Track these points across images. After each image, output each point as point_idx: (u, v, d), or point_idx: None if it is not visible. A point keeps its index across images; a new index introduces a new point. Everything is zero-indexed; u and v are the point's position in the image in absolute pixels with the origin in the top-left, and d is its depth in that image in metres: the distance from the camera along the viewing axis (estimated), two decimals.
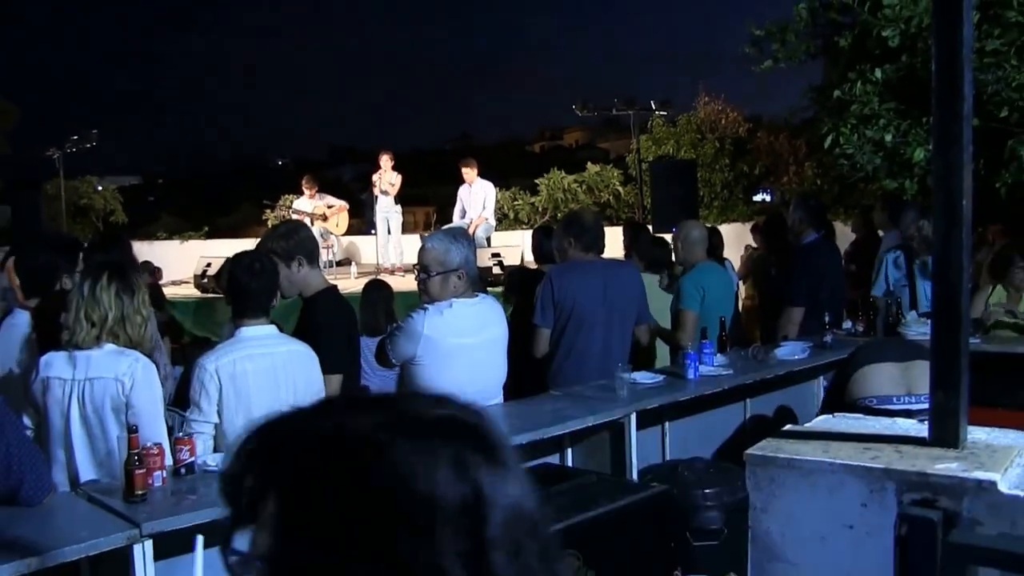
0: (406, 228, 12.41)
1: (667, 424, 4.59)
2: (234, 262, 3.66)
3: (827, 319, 5.26)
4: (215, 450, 3.38)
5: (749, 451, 2.79)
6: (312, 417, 0.80)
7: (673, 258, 6.81)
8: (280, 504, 0.73)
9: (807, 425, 3.10)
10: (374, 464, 0.72)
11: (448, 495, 0.72)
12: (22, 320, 3.79)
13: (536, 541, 0.77)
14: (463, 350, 3.79)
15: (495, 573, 0.72)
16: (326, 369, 3.65)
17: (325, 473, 0.73)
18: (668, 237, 7.88)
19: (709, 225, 8.23)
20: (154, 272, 9.64)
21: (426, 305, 3.83)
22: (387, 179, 11.88)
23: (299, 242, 4.05)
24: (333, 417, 0.78)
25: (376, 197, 11.97)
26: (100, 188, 18.90)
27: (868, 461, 2.55)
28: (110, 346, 3.21)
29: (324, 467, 0.73)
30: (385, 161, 11.95)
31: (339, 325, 4.10)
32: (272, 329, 3.55)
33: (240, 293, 3.52)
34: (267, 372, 3.44)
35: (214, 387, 3.34)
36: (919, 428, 2.81)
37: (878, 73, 7.42)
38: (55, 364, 3.21)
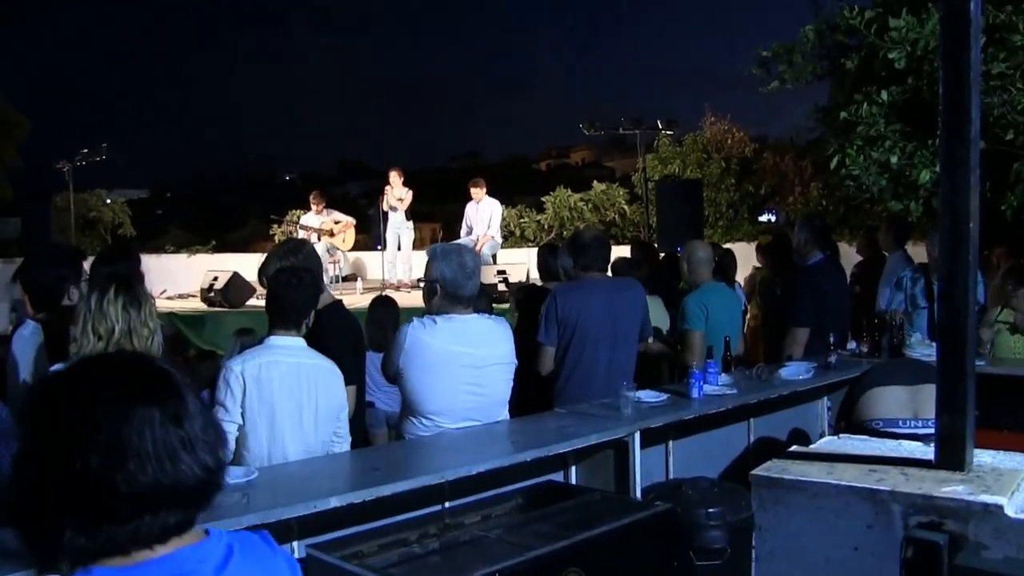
0: (413, 244, 12.44)
1: (671, 443, 4.59)
2: (274, 276, 3.80)
3: (832, 340, 5.25)
4: (236, 452, 3.48)
5: (755, 472, 2.79)
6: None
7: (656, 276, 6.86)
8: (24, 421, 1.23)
9: (813, 446, 3.10)
10: (64, 394, 1.20)
11: (101, 415, 1.15)
12: (31, 331, 3.81)
13: (174, 448, 1.18)
14: (451, 361, 3.81)
15: (128, 467, 1.14)
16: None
17: (41, 404, 1.22)
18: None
19: (726, 246, 8.22)
20: None
21: (414, 318, 3.95)
22: (395, 195, 11.92)
23: (305, 258, 4.19)
24: (65, 371, 1.26)
25: (384, 213, 12.00)
26: (109, 201, 18.92)
27: (874, 483, 2.55)
28: None
29: (41, 399, 1.22)
30: (394, 177, 11.99)
31: (347, 338, 4.23)
32: (301, 342, 3.66)
33: (275, 305, 3.67)
34: (292, 380, 3.52)
35: (239, 388, 3.45)
36: (925, 450, 2.81)
37: (884, 95, 7.44)
38: None
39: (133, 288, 3.31)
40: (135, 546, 1.18)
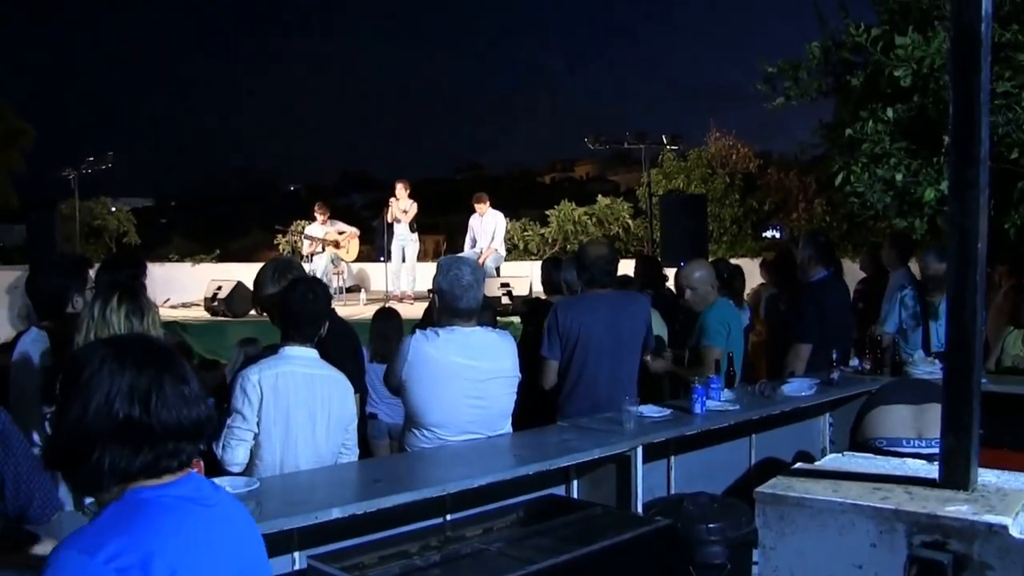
0: (418, 256, 12.46)
1: (673, 458, 4.58)
2: (288, 289, 3.83)
3: (834, 356, 5.24)
4: (251, 460, 3.50)
5: (759, 489, 2.78)
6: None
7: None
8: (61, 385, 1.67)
9: (817, 464, 3.09)
10: (103, 364, 1.63)
11: (139, 379, 1.62)
12: (33, 338, 3.81)
13: (185, 398, 1.66)
14: (454, 373, 3.82)
15: (159, 413, 1.62)
16: None
17: (73, 373, 1.65)
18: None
19: (734, 263, 8.19)
20: None
21: (417, 330, 3.98)
22: (400, 207, 11.94)
23: (296, 275, 4.28)
24: (98, 348, 1.70)
25: (388, 224, 12.02)
26: (114, 209, 18.94)
27: (878, 502, 2.54)
28: None
29: (73, 369, 1.66)
30: (400, 189, 12.02)
31: (346, 345, 4.36)
32: (314, 353, 3.69)
33: (292, 318, 3.68)
34: (306, 390, 3.56)
35: (256, 396, 3.47)
36: (929, 469, 2.80)
37: (890, 112, 7.44)
38: None
39: (136, 297, 3.32)
40: (161, 468, 1.64)
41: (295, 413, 3.51)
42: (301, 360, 3.62)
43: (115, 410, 1.59)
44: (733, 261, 9.95)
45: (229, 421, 3.52)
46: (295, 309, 3.68)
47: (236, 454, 3.47)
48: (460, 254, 10.69)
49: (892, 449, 3.75)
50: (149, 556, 1.55)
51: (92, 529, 1.58)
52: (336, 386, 3.66)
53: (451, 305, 3.90)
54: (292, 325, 3.68)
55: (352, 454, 3.78)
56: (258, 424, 3.48)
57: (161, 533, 1.59)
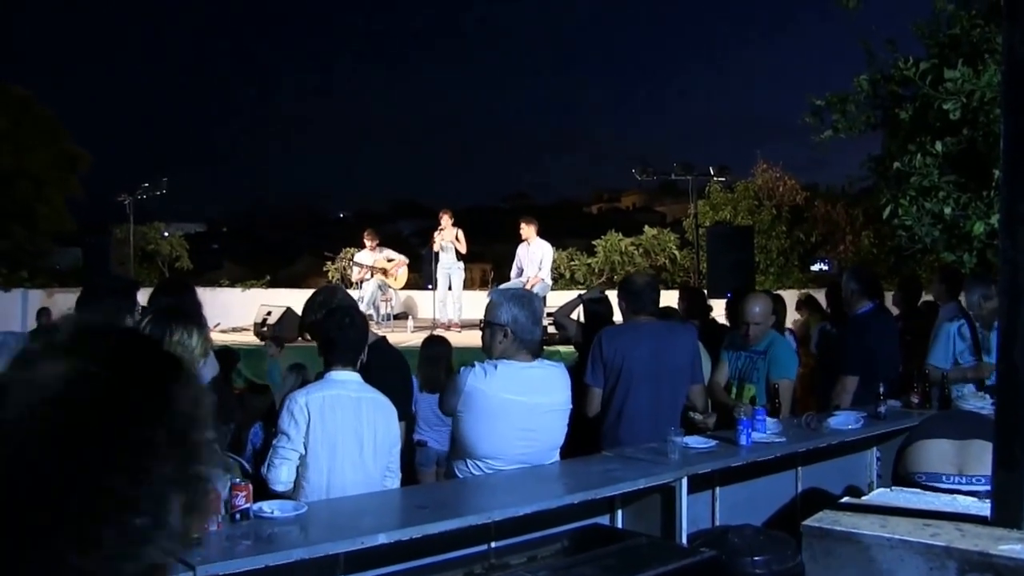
0: (464, 284, 12.54)
1: (718, 489, 4.55)
2: (327, 318, 3.93)
3: (881, 389, 5.18)
4: (295, 482, 3.55)
5: (806, 522, 2.77)
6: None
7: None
8: None
9: (865, 498, 3.07)
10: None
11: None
12: None
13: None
14: (508, 409, 3.80)
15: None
16: None
17: None
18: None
19: (777, 294, 8.15)
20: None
21: (475, 362, 3.93)
22: (447, 236, 12.05)
23: (340, 302, 4.43)
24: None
25: (436, 253, 12.13)
26: (167, 234, 19.34)
27: (928, 538, 2.52)
28: None
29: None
30: (445, 219, 12.13)
31: (396, 373, 4.43)
32: (357, 376, 3.76)
33: (332, 346, 3.78)
34: (352, 413, 3.62)
35: (303, 418, 3.53)
36: (980, 506, 2.77)
37: (939, 146, 7.38)
38: None
39: (164, 321, 3.37)
40: None
41: (342, 435, 3.57)
42: (346, 384, 3.69)
43: None
44: (780, 293, 9.87)
45: (275, 442, 3.59)
46: (332, 336, 3.78)
47: (280, 473, 3.53)
48: (509, 284, 10.75)
49: (932, 484, 3.68)
50: None
51: None
52: (381, 409, 3.72)
53: (526, 339, 3.89)
54: (334, 353, 3.77)
55: (395, 477, 3.83)
56: (305, 446, 3.53)
57: None
